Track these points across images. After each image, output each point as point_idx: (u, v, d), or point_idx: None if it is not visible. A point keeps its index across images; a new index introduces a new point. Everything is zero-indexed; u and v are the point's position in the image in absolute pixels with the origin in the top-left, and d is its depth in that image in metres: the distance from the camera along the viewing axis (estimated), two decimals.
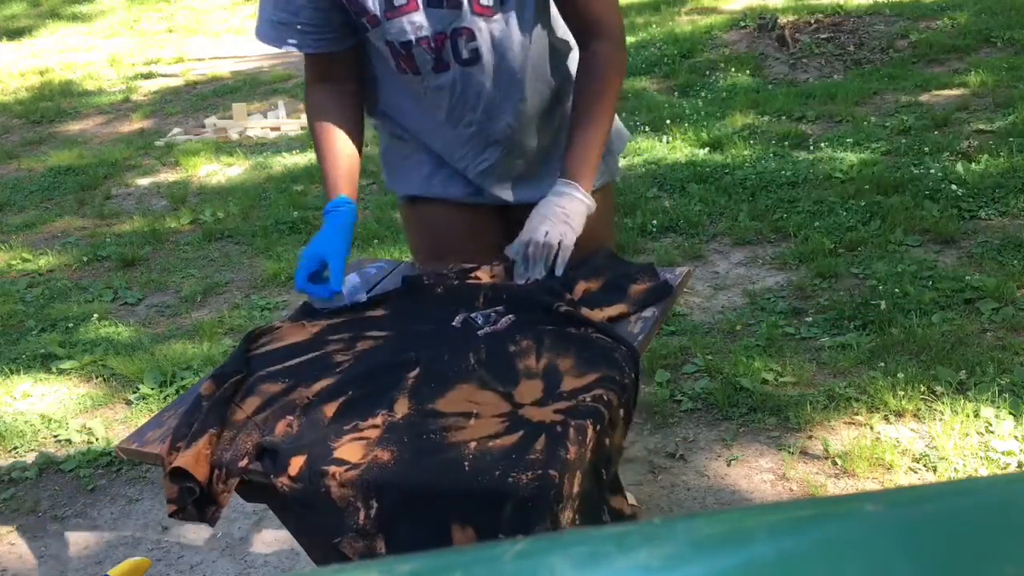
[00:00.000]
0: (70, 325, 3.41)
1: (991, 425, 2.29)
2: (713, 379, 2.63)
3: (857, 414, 2.41)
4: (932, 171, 3.87)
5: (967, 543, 0.47)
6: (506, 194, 1.72)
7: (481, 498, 1.07)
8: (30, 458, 2.63)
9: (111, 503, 2.42)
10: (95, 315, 3.45)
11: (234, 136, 5.91)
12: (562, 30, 1.62)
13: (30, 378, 3.05)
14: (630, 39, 6.82)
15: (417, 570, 0.49)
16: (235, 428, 1.24)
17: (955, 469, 2.16)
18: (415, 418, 1.21)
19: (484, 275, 1.58)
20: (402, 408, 1.24)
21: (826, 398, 2.47)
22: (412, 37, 1.49)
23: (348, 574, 0.51)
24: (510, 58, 1.53)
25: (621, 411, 1.26)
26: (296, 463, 1.16)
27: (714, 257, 3.45)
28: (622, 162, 4.54)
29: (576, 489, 1.12)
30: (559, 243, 1.48)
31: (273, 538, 2.20)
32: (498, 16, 1.48)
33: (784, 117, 4.96)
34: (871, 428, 2.34)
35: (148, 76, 7.90)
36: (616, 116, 1.70)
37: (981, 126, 4.41)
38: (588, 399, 1.20)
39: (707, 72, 5.89)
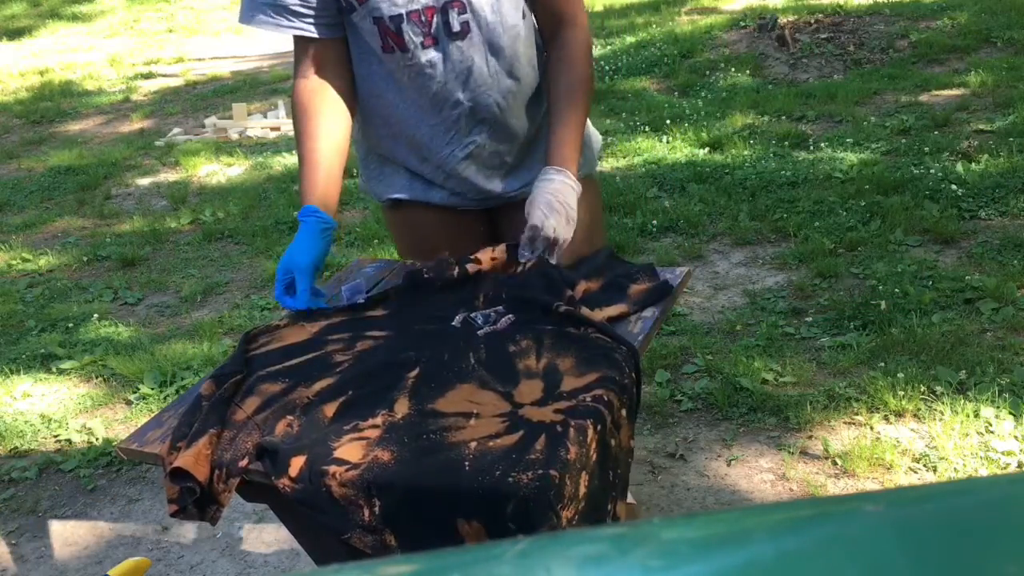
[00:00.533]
0: (70, 325, 3.41)
1: (991, 425, 2.29)
2: (713, 379, 2.63)
3: (857, 414, 2.41)
4: (932, 171, 3.87)
5: (967, 543, 0.47)
6: (492, 184, 1.70)
7: (482, 498, 1.07)
8: (30, 458, 2.63)
9: (111, 503, 2.42)
10: (95, 315, 3.45)
11: (234, 136, 5.91)
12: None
13: (30, 378, 3.05)
14: (630, 39, 6.82)
15: (417, 571, 0.49)
16: (235, 428, 1.24)
17: (955, 469, 2.16)
18: (415, 418, 1.21)
19: (485, 257, 1.56)
20: (402, 408, 1.24)
21: (826, 398, 2.47)
22: (404, 11, 1.49)
23: (348, 574, 0.51)
24: (500, 32, 1.54)
25: (623, 411, 1.26)
26: (296, 463, 1.16)
27: (714, 257, 3.45)
28: (622, 162, 4.55)
29: (583, 490, 1.12)
30: (562, 238, 1.50)
31: (273, 538, 2.20)
32: None
33: (784, 117, 4.96)
34: (871, 428, 2.35)
35: (148, 76, 7.90)
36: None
37: (981, 126, 4.41)
38: (588, 399, 1.20)
39: (707, 72, 5.89)
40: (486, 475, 1.08)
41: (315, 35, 1.54)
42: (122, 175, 5.33)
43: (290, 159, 5.23)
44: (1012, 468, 2.16)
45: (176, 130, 6.14)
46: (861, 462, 2.21)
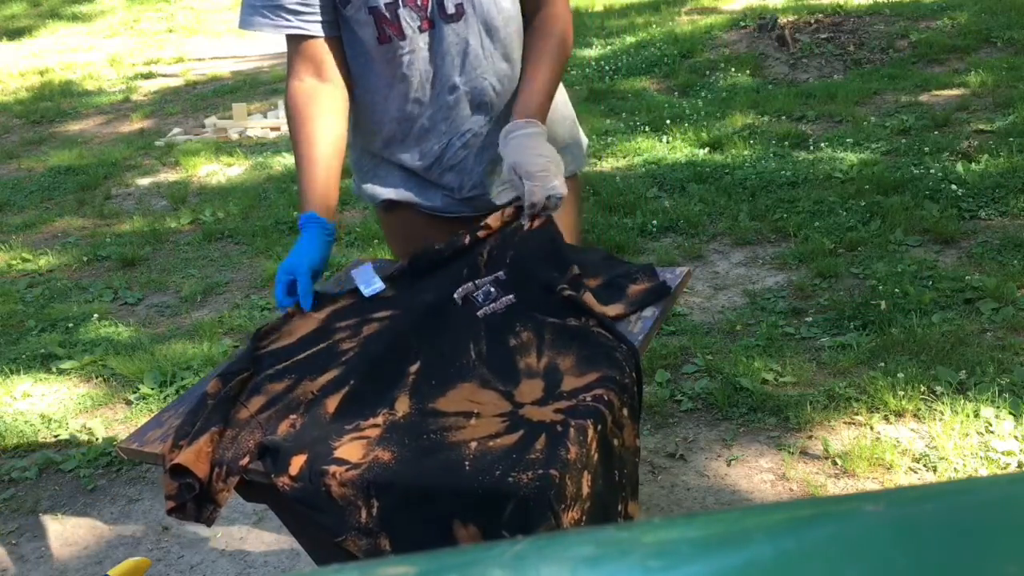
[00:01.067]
0: (70, 325, 3.41)
1: (991, 425, 2.29)
2: (713, 379, 2.63)
3: (857, 414, 2.41)
4: (932, 171, 3.87)
5: (968, 542, 0.47)
6: (491, 176, 1.69)
7: (482, 498, 1.07)
8: (30, 458, 2.63)
9: (111, 503, 2.42)
10: (95, 315, 3.45)
11: (234, 136, 5.91)
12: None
13: (30, 378, 3.05)
14: (630, 39, 6.82)
15: (415, 572, 0.49)
16: (238, 427, 1.24)
17: (955, 469, 2.16)
18: (416, 418, 1.21)
19: (495, 221, 1.56)
20: (403, 407, 1.24)
21: (826, 398, 2.47)
22: None
23: (348, 574, 0.51)
24: (494, 14, 1.55)
25: (624, 411, 1.26)
26: (297, 462, 1.16)
27: (714, 257, 3.45)
28: (621, 162, 4.54)
29: (587, 490, 1.12)
30: (560, 192, 1.50)
31: (273, 538, 2.20)
32: None
33: (784, 117, 4.96)
34: (871, 428, 2.34)
35: (148, 76, 7.90)
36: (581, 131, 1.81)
37: (981, 126, 4.41)
38: (588, 399, 1.20)
39: (707, 72, 5.89)
40: (486, 475, 1.08)
41: (312, 33, 1.55)
42: (122, 175, 5.33)
43: (290, 159, 5.23)
44: (1012, 468, 2.16)
45: (176, 130, 6.15)
46: (861, 462, 2.21)
